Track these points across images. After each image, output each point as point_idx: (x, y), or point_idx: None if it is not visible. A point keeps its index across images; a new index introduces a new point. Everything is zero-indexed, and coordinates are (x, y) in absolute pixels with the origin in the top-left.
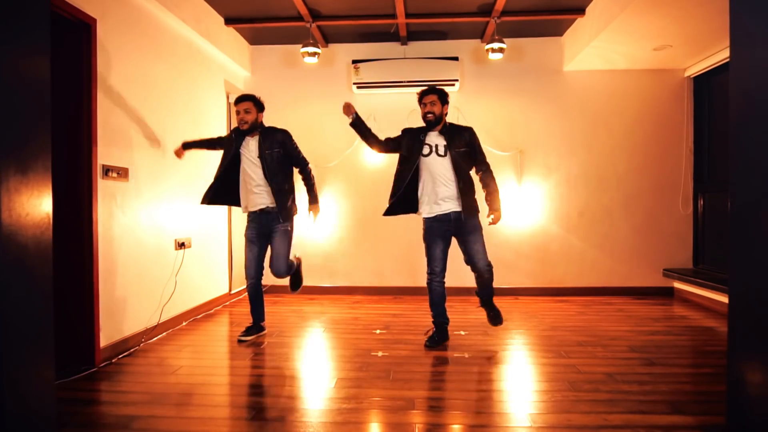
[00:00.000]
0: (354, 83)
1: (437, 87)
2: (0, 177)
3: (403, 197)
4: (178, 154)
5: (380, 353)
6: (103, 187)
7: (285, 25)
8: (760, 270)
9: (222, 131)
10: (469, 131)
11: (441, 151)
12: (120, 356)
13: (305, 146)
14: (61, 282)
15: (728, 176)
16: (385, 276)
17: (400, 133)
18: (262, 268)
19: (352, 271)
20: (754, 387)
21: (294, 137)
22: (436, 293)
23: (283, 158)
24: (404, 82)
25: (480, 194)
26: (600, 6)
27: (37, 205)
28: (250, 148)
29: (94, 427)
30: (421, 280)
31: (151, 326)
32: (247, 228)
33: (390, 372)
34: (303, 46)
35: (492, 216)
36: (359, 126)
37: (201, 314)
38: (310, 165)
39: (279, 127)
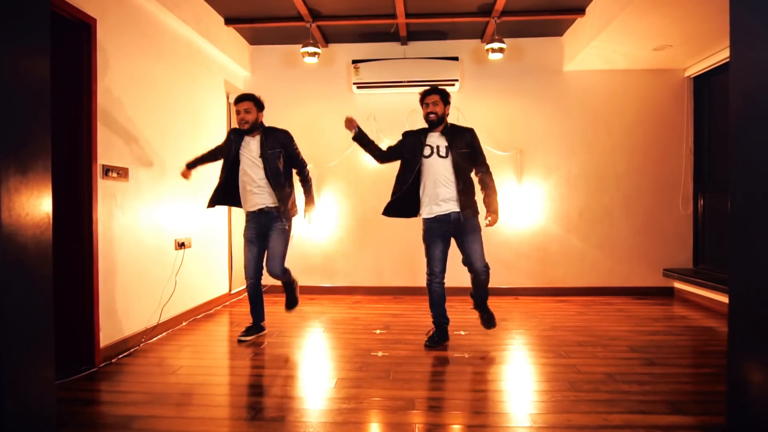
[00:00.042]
0: (354, 83)
1: (439, 87)
2: (0, 177)
3: (405, 199)
4: (185, 175)
5: (380, 353)
6: (103, 187)
7: (285, 25)
8: (760, 270)
9: (222, 131)
10: (470, 132)
11: (442, 152)
12: (120, 356)
13: (305, 146)
14: (61, 282)
15: (728, 176)
16: (385, 276)
17: (400, 137)
18: (261, 268)
19: (352, 271)
20: (755, 387)
21: (294, 137)
22: (436, 294)
23: (284, 158)
24: (404, 82)
25: (479, 195)
26: (600, 6)
27: (37, 205)
28: (251, 148)
29: (94, 427)
30: (421, 280)
31: (151, 326)
32: (246, 228)
33: (390, 372)
34: (303, 46)
35: (490, 218)
36: (362, 139)
37: (201, 314)
38: (308, 167)
39: (279, 127)
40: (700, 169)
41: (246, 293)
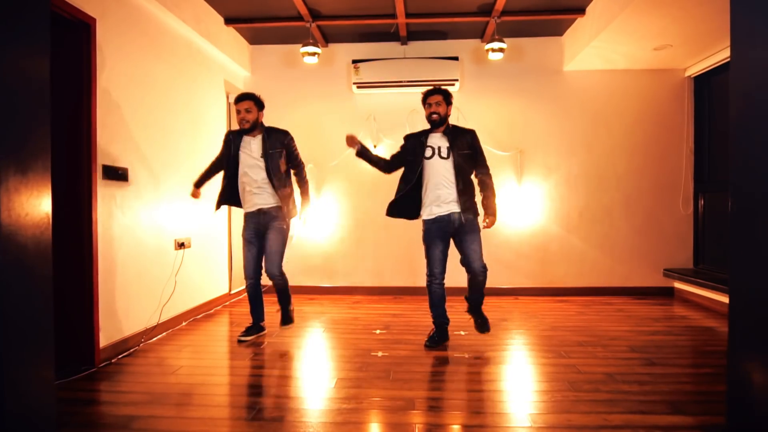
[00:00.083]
0: (354, 83)
1: (442, 88)
2: (0, 177)
3: (408, 199)
4: (195, 195)
5: (380, 353)
6: (103, 187)
7: (285, 25)
8: (761, 270)
9: (222, 131)
10: (471, 134)
11: (444, 153)
12: (120, 356)
13: (305, 146)
14: (61, 282)
15: (728, 176)
16: (385, 276)
17: (402, 142)
18: (260, 268)
19: (352, 271)
20: (755, 387)
21: (294, 137)
22: (436, 295)
23: (285, 158)
24: (404, 81)
25: (478, 197)
26: (600, 6)
27: (37, 205)
28: (252, 148)
29: (94, 427)
30: (421, 280)
31: (151, 326)
32: (244, 228)
33: (390, 372)
34: (303, 46)
35: (487, 220)
36: (365, 155)
37: (201, 314)
38: (305, 168)
39: (280, 127)
40: (700, 169)
41: (246, 293)
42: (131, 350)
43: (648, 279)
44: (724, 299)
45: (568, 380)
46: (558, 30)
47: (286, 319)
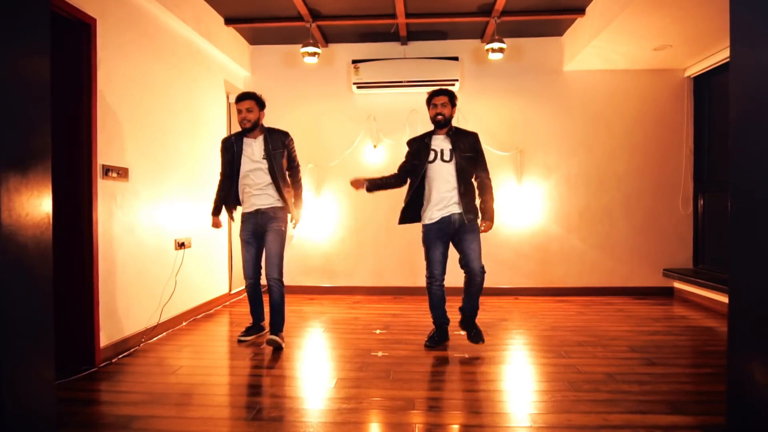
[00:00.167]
0: (354, 83)
1: (448, 89)
2: (0, 177)
3: (414, 203)
4: (217, 225)
5: (380, 353)
6: (103, 187)
7: (285, 25)
8: (761, 270)
9: (222, 131)
10: (474, 136)
11: (446, 156)
12: (120, 356)
13: (305, 146)
14: (61, 282)
15: (728, 176)
16: (385, 276)
17: (405, 148)
18: (259, 267)
19: (352, 271)
20: (755, 387)
21: (294, 137)
22: (436, 296)
23: (285, 159)
24: (404, 82)
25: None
26: (600, 6)
27: (37, 205)
28: (253, 149)
29: (94, 427)
30: (421, 280)
31: (151, 326)
32: (242, 229)
33: (390, 372)
34: (303, 46)
35: (484, 225)
36: (376, 185)
37: (201, 314)
38: (301, 172)
39: (280, 128)
40: (700, 169)
41: (245, 293)
42: (131, 350)
43: (648, 279)
44: (724, 299)
45: (568, 380)
46: (558, 30)
47: (278, 325)
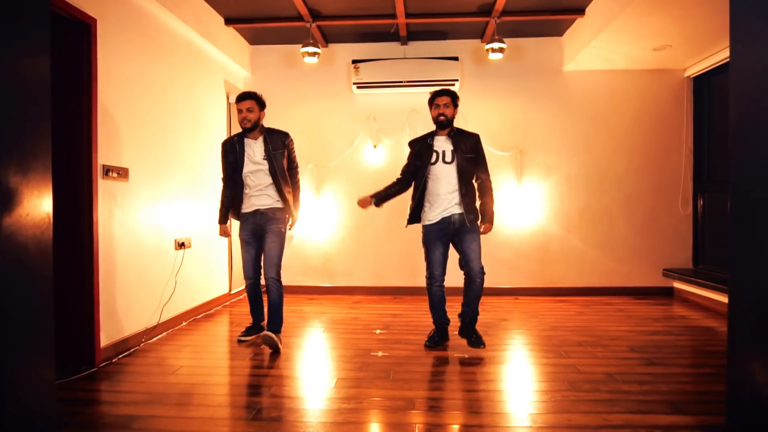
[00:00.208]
0: (354, 83)
1: (450, 89)
2: (0, 177)
3: (419, 205)
4: (225, 233)
5: (380, 353)
6: (103, 187)
7: (285, 25)
8: (760, 270)
9: (222, 131)
10: (475, 137)
11: (448, 157)
12: (120, 356)
13: (305, 146)
14: (61, 282)
15: (728, 176)
16: (385, 276)
17: (406, 149)
18: (259, 267)
19: (352, 271)
20: (755, 387)
21: (294, 137)
22: (437, 297)
23: (285, 160)
24: (404, 82)
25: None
26: (600, 6)
27: (37, 205)
28: (254, 150)
29: (94, 427)
30: (421, 280)
31: (151, 326)
32: (241, 229)
33: (390, 372)
34: (303, 46)
35: (483, 226)
36: (382, 198)
37: (201, 314)
38: (300, 173)
39: (279, 128)
40: (699, 169)
41: (245, 293)
42: (131, 350)
43: (648, 279)
44: (724, 299)
45: (568, 380)
46: (558, 30)
47: (276, 325)
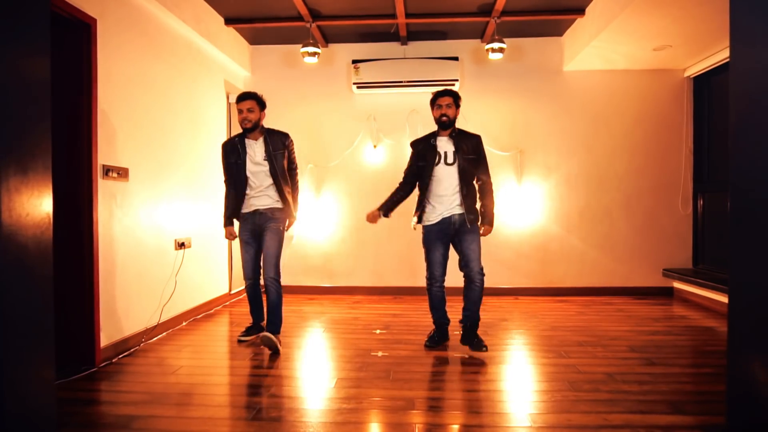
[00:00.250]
0: (354, 83)
1: (452, 90)
2: (0, 177)
3: (421, 205)
4: (232, 235)
5: (380, 353)
6: (103, 187)
7: (285, 25)
8: (760, 270)
9: (222, 131)
10: (477, 139)
11: (450, 159)
12: (120, 356)
13: (305, 146)
14: (61, 282)
15: (728, 176)
16: (385, 276)
17: (406, 149)
18: (259, 268)
19: (352, 271)
20: (755, 387)
21: (294, 137)
22: (437, 298)
23: (285, 160)
24: (404, 82)
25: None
26: (600, 6)
27: (37, 205)
28: (255, 150)
29: (94, 427)
30: (422, 280)
31: (151, 326)
32: (240, 230)
33: (390, 372)
34: (303, 46)
35: (483, 228)
36: (389, 207)
37: (201, 314)
38: (299, 175)
39: (279, 129)
40: (699, 169)
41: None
42: (131, 350)
43: (648, 279)
44: (724, 299)
45: (568, 380)
46: (558, 30)
47: (275, 325)
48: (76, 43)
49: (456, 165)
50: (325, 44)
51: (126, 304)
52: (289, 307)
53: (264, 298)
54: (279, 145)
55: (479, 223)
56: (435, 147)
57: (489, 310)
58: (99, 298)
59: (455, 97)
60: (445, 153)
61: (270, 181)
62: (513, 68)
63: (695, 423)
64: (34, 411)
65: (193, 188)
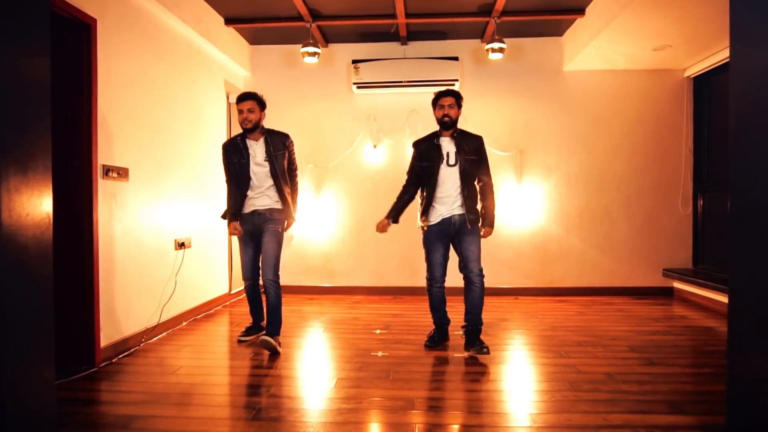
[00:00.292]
0: (354, 83)
1: (454, 90)
2: (0, 177)
3: (427, 204)
4: (236, 229)
5: (380, 353)
6: (103, 187)
7: (285, 25)
8: (760, 270)
9: (222, 131)
10: (479, 140)
11: (451, 160)
12: (120, 356)
13: (305, 146)
14: (61, 282)
15: (728, 176)
16: (385, 276)
17: (412, 153)
18: (258, 268)
19: (352, 271)
20: (755, 387)
21: (294, 137)
22: (437, 298)
23: (285, 161)
24: (404, 82)
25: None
26: (600, 6)
27: (37, 205)
28: (256, 150)
29: (94, 427)
30: (422, 280)
31: (151, 326)
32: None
33: (390, 372)
34: (303, 46)
35: (483, 230)
36: (396, 213)
37: (201, 314)
38: (299, 176)
39: (279, 129)
40: (699, 169)
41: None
42: (131, 350)
43: (648, 279)
44: (724, 299)
45: (568, 380)
46: (558, 30)
47: (275, 327)
48: (76, 43)
49: (457, 166)
50: (325, 44)
51: (126, 304)
52: (289, 307)
53: (264, 299)
54: (279, 146)
55: (480, 225)
56: (439, 147)
57: (489, 310)
58: (99, 298)
59: (457, 98)
60: (447, 153)
61: (270, 181)
62: (513, 68)
63: (695, 423)
64: (34, 411)
65: (193, 188)
